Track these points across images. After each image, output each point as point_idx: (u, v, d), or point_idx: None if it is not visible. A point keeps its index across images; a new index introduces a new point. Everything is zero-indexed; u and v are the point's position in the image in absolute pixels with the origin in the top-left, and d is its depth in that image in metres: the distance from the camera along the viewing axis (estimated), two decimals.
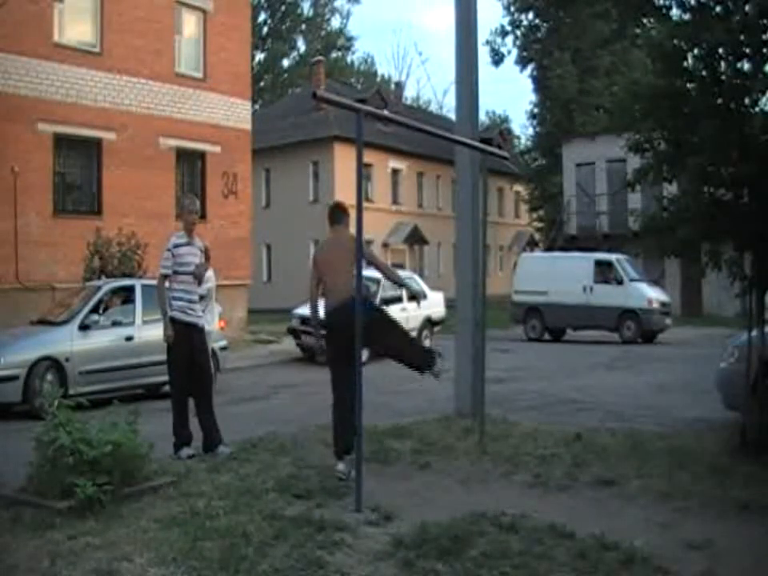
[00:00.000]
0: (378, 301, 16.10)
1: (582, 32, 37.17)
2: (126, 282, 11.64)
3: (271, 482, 5.80)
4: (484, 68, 52.14)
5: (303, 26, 56.17)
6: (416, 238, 35.13)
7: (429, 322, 17.63)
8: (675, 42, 6.81)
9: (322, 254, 6.65)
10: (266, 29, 53.64)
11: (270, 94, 52.41)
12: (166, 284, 7.01)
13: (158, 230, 15.61)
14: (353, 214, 5.58)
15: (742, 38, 6.53)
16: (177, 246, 7.00)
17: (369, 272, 17.51)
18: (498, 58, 42.87)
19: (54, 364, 9.97)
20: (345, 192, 28.91)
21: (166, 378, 10.40)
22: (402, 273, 20.11)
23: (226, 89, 19.83)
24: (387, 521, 4.99)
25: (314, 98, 5.59)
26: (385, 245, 33.31)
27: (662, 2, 7.17)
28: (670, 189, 7.98)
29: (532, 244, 44.83)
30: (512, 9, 41.58)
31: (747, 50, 6.64)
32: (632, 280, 20.71)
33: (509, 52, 42.77)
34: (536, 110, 43.03)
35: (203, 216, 18.93)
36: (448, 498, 5.64)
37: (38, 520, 4.92)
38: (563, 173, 33.72)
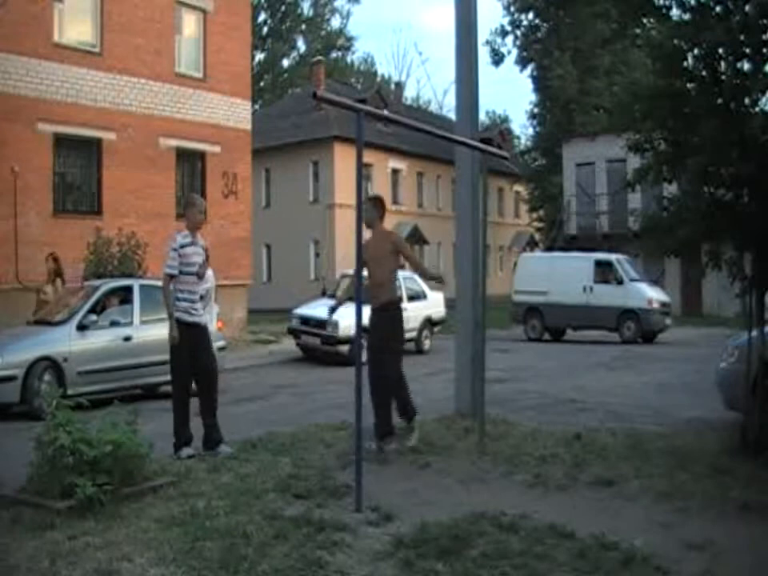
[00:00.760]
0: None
1: (581, 32, 37.18)
2: (124, 281, 11.62)
3: (271, 482, 5.80)
4: (484, 68, 52.22)
5: (303, 26, 56.19)
6: (416, 238, 35.13)
7: (429, 322, 17.64)
8: (675, 41, 6.81)
9: (368, 252, 6.98)
10: (266, 29, 53.66)
11: (270, 94, 52.42)
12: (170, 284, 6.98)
13: (158, 230, 15.61)
14: (353, 214, 5.57)
15: (742, 37, 6.52)
16: (183, 245, 6.96)
17: None
18: (498, 58, 42.91)
19: (52, 364, 9.95)
20: (345, 192, 28.95)
21: (164, 377, 10.41)
22: (400, 273, 20.14)
23: (226, 89, 19.83)
24: (387, 521, 4.99)
25: (314, 98, 5.59)
26: None
27: (662, 1, 7.16)
28: (670, 189, 7.98)
29: (532, 244, 44.85)
30: (512, 9, 41.61)
31: (747, 50, 6.63)
32: (632, 280, 20.71)
33: (509, 52, 42.86)
34: (536, 110, 43.05)
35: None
36: (448, 498, 5.64)
37: (37, 520, 4.92)
38: (563, 173, 33.73)
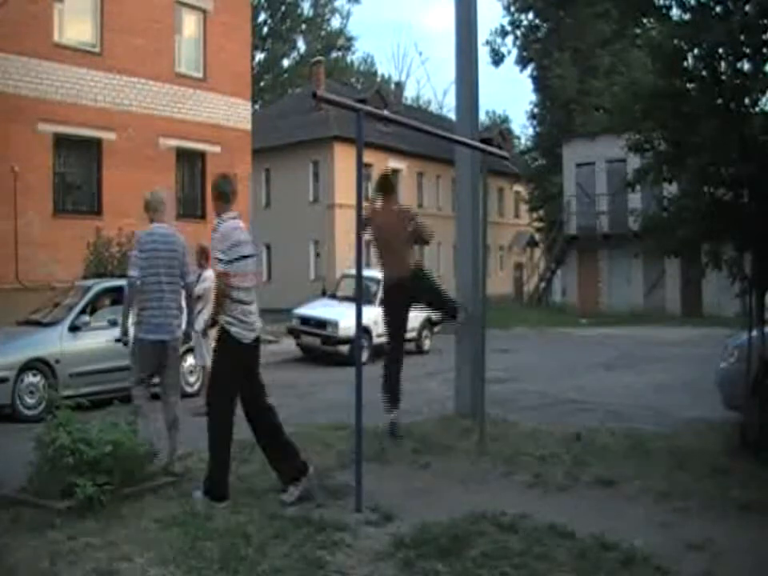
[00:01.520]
0: (377, 301, 16.12)
1: (581, 32, 37.14)
2: (117, 282, 11.57)
3: (271, 482, 5.80)
4: (484, 68, 52.21)
5: (303, 26, 56.14)
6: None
7: (429, 322, 17.63)
8: (675, 42, 6.81)
9: (378, 221, 7.08)
10: (266, 29, 53.62)
11: (270, 94, 52.39)
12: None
13: None
14: (353, 214, 5.57)
15: (742, 38, 6.52)
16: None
17: (369, 272, 17.54)
18: (498, 58, 42.89)
19: (44, 366, 9.90)
20: (345, 192, 28.93)
21: (156, 380, 10.32)
22: None
23: (226, 89, 19.82)
24: (387, 521, 4.99)
25: (314, 98, 5.60)
26: None
27: (662, 1, 7.16)
28: (670, 189, 7.98)
29: (532, 244, 44.86)
30: (512, 9, 41.58)
31: (747, 50, 6.63)
32: None
33: (509, 52, 42.83)
34: (536, 110, 43.02)
35: (203, 216, 18.99)
36: (448, 497, 5.64)
37: (37, 520, 4.92)
38: (563, 173, 33.71)
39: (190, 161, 19.28)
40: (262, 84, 51.13)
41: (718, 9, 6.81)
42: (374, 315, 15.62)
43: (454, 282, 9.30)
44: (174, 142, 18.54)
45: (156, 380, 6.40)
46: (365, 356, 14.47)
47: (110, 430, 5.39)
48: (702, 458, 6.65)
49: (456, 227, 9.26)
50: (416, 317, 17.18)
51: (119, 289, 11.15)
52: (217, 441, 5.47)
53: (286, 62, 56.05)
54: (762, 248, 6.83)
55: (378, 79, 57.53)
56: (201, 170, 19.58)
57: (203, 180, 19.54)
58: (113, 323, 10.64)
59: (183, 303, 6.58)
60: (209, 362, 10.16)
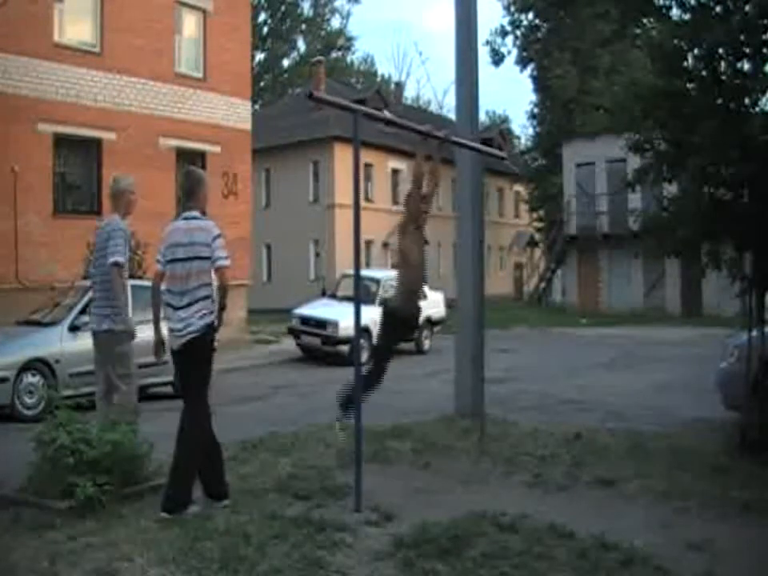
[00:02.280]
0: (377, 301, 16.12)
1: (581, 32, 37.13)
2: None
3: (271, 482, 5.81)
4: (484, 68, 52.17)
5: (303, 26, 56.14)
6: None
7: (429, 322, 17.63)
8: (675, 42, 6.82)
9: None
10: (266, 29, 53.61)
11: (269, 94, 52.39)
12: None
13: (157, 230, 15.53)
14: (352, 214, 5.56)
15: (742, 37, 6.53)
16: None
17: (369, 272, 17.50)
18: (498, 58, 42.87)
19: (43, 366, 9.89)
20: (345, 192, 28.92)
21: (155, 380, 10.30)
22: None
23: (226, 89, 19.81)
24: (387, 521, 4.99)
25: (310, 99, 5.58)
26: (385, 245, 33.31)
27: (662, 1, 7.17)
28: (670, 189, 7.98)
29: (532, 244, 44.86)
30: (512, 9, 41.56)
31: (747, 50, 6.64)
32: None
33: (509, 52, 42.78)
34: (536, 110, 43.02)
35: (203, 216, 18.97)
36: (448, 498, 5.64)
37: (38, 520, 4.92)
38: (563, 173, 33.71)
39: (190, 161, 19.24)
40: (262, 84, 51.13)
41: (718, 9, 6.82)
42: (373, 315, 15.64)
43: (454, 282, 9.29)
44: (173, 142, 18.54)
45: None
46: (365, 356, 14.47)
47: (110, 430, 5.39)
48: (702, 458, 6.65)
49: (456, 227, 9.26)
50: None
51: None
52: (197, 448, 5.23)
53: (286, 62, 56.07)
54: (761, 248, 6.83)
55: (378, 79, 57.56)
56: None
57: None
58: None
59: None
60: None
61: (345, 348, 15.10)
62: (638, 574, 4.17)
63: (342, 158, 29.88)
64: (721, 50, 6.75)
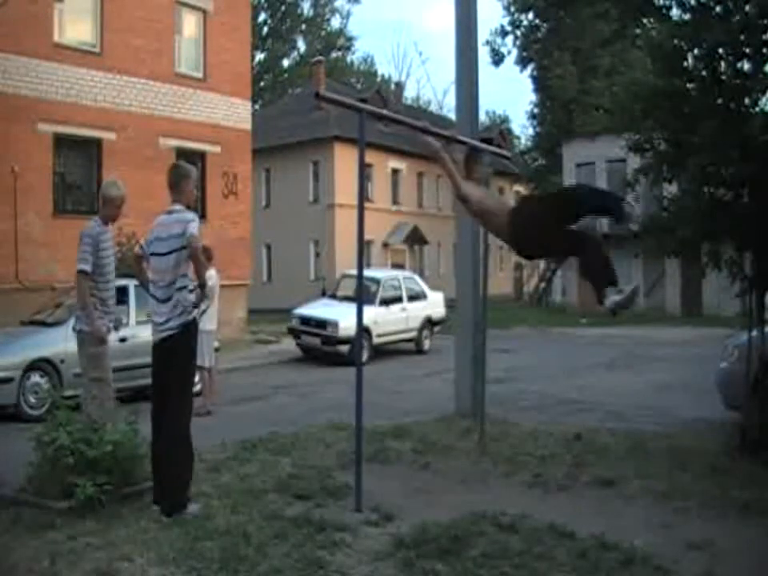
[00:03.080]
0: (377, 301, 16.13)
1: (581, 32, 37.13)
2: (119, 282, 11.56)
3: (271, 482, 5.81)
4: (484, 68, 52.14)
5: (303, 26, 56.11)
6: (416, 238, 35.11)
7: (429, 322, 17.64)
8: (675, 42, 6.82)
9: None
10: (266, 29, 53.59)
11: (270, 94, 52.37)
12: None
13: None
14: (354, 214, 5.56)
15: (742, 38, 6.53)
16: None
17: (369, 272, 17.51)
18: (498, 58, 42.86)
19: (48, 366, 9.90)
20: (345, 192, 28.94)
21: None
22: (400, 273, 20.20)
23: (226, 89, 19.81)
24: (387, 521, 5.00)
25: (317, 98, 5.58)
26: (385, 245, 33.31)
27: (662, 1, 7.17)
28: (670, 189, 7.98)
29: None
30: (512, 9, 41.56)
31: (747, 50, 6.64)
32: None
33: (509, 52, 42.78)
34: (536, 110, 43.03)
35: (203, 215, 18.98)
36: (448, 498, 5.64)
37: (37, 520, 4.92)
38: (563, 173, 33.70)
39: (189, 161, 19.22)
40: (262, 84, 51.11)
41: (717, 9, 6.81)
42: (373, 315, 15.65)
43: (454, 282, 9.29)
44: (174, 142, 18.53)
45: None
46: (364, 356, 14.47)
47: (109, 430, 5.39)
48: (702, 457, 6.65)
49: (456, 227, 9.25)
50: (416, 317, 17.25)
51: (123, 289, 11.17)
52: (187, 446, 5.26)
53: (286, 62, 56.03)
54: (762, 248, 6.83)
55: (378, 79, 57.52)
56: (201, 170, 19.55)
57: (203, 180, 19.53)
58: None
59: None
60: (207, 363, 10.23)
61: (345, 348, 15.11)
62: (638, 574, 4.17)
63: (342, 157, 29.88)
64: (721, 50, 6.75)
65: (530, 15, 41.54)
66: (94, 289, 6.11)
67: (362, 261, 5.54)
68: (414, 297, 17.45)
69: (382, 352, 16.09)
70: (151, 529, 4.76)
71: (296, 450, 6.95)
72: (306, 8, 56.17)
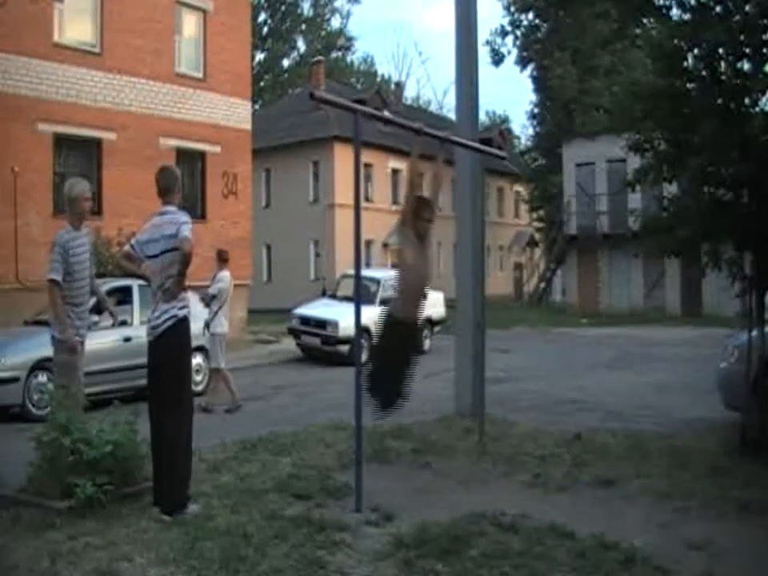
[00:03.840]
0: (377, 301, 16.12)
1: (581, 32, 37.14)
2: (124, 281, 11.58)
3: (271, 482, 5.81)
4: (484, 68, 52.15)
5: (303, 26, 56.11)
6: None
7: (429, 322, 17.61)
8: (675, 41, 6.81)
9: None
10: (266, 29, 53.60)
11: (270, 94, 52.38)
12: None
13: None
14: (352, 213, 5.56)
15: (742, 38, 6.53)
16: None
17: (369, 272, 17.50)
18: (498, 58, 42.89)
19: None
20: (345, 192, 28.92)
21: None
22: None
23: (226, 89, 19.82)
24: (387, 521, 5.00)
25: (312, 99, 5.59)
26: (385, 245, 33.30)
27: (662, 1, 7.17)
28: (670, 189, 7.98)
29: (532, 244, 44.86)
30: (512, 9, 41.57)
31: (747, 50, 6.64)
32: None
33: (509, 52, 42.82)
34: (536, 110, 43.02)
35: (203, 216, 18.99)
36: (448, 498, 5.64)
37: (37, 520, 4.92)
38: (563, 173, 33.71)
39: (190, 161, 19.27)
40: (262, 84, 51.11)
41: (718, 9, 6.81)
42: (373, 315, 15.63)
43: (454, 282, 9.29)
44: (173, 142, 18.54)
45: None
46: (364, 356, 14.45)
47: (109, 430, 5.39)
48: (702, 458, 6.65)
49: (456, 227, 9.25)
50: None
51: (127, 288, 11.19)
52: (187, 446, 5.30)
53: (286, 62, 56.04)
54: (761, 248, 6.83)
55: (378, 79, 57.55)
56: (201, 170, 19.58)
57: (203, 180, 19.55)
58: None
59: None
60: (222, 364, 10.36)
61: (345, 348, 15.10)
62: (638, 574, 4.17)
63: (342, 157, 29.88)
64: (721, 50, 6.75)
65: (530, 15, 41.56)
66: (66, 296, 6.13)
67: (360, 260, 5.54)
68: None
69: None
70: (151, 529, 4.76)
71: (296, 450, 6.95)
72: (306, 8, 56.21)
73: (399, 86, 48.08)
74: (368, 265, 29.28)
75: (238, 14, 20.52)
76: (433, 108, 58.26)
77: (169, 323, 5.22)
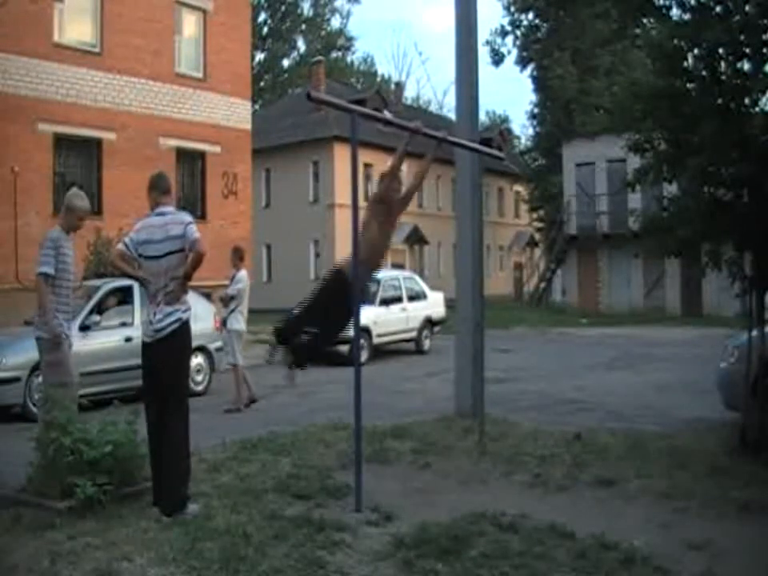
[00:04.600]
0: (377, 301, 16.12)
1: (581, 32, 37.17)
2: (125, 282, 11.59)
3: (271, 482, 5.81)
4: (484, 68, 52.20)
5: (303, 26, 56.13)
6: (416, 238, 35.13)
7: (429, 322, 17.63)
8: (675, 41, 6.81)
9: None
10: (266, 29, 53.61)
11: (270, 94, 52.39)
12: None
13: None
14: (350, 213, 5.56)
15: (742, 38, 6.52)
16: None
17: None
18: (498, 58, 42.92)
19: None
20: (345, 192, 28.88)
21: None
22: (400, 273, 20.17)
23: (226, 89, 19.83)
24: (387, 521, 4.99)
25: (309, 99, 5.59)
26: None
27: (662, 1, 7.16)
28: (670, 189, 7.98)
29: (532, 244, 44.86)
30: (512, 9, 41.59)
31: (747, 50, 6.63)
32: None
33: (509, 52, 42.86)
34: (536, 110, 43.02)
35: (203, 216, 18.99)
36: (448, 498, 5.64)
37: (37, 520, 4.92)
38: (563, 173, 33.70)
39: (190, 161, 19.30)
40: (262, 84, 51.12)
41: (718, 9, 6.81)
42: (373, 315, 15.65)
43: (454, 282, 9.29)
44: (173, 142, 18.55)
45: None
46: (364, 356, 14.45)
47: (109, 430, 5.39)
48: (702, 458, 6.65)
49: (456, 227, 9.25)
50: (416, 317, 17.25)
51: (128, 288, 11.19)
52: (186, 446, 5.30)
53: (286, 62, 56.07)
54: (761, 248, 6.83)
55: (378, 79, 57.56)
56: (201, 170, 19.59)
57: (203, 180, 19.56)
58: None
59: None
60: (241, 361, 10.43)
61: (344, 348, 15.10)
62: (638, 574, 4.16)
63: (342, 157, 29.88)
64: (721, 50, 6.74)
65: (530, 15, 41.58)
66: (51, 294, 6.11)
67: (358, 262, 5.54)
68: (414, 297, 17.44)
69: (382, 352, 16.09)
70: (151, 529, 4.76)
71: (296, 450, 6.94)
72: (306, 8, 56.24)
73: (399, 85, 48.07)
74: None
75: (238, 14, 20.54)
76: (433, 108, 58.32)
77: (174, 326, 5.20)
